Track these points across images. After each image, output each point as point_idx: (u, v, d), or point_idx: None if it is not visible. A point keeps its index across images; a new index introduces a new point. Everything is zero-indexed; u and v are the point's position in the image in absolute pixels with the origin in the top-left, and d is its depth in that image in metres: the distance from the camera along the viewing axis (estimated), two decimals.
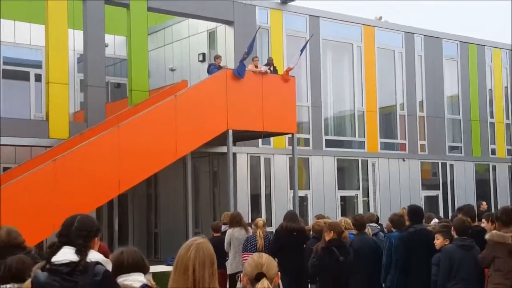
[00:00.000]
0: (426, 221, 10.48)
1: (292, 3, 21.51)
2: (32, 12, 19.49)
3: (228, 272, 11.36)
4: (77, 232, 4.10)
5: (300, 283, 9.98)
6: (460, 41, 25.95)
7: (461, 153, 25.44)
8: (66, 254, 4.01)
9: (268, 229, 13.14)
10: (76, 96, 20.82)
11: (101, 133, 15.64)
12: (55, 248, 4.08)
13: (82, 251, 4.04)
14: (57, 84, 17.38)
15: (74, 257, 4.00)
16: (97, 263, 4.06)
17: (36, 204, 13.35)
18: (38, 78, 20.48)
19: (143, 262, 4.53)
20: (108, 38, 19.98)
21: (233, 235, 11.46)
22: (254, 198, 20.08)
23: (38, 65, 20.26)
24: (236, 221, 11.81)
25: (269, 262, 3.74)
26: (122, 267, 4.39)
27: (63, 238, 4.11)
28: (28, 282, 4.24)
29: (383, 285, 9.17)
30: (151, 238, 21.97)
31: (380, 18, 25.19)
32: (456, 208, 22.24)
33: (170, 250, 17.69)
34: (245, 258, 10.82)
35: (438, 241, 8.20)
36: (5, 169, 17.89)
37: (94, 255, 4.13)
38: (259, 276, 3.66)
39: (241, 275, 4.15)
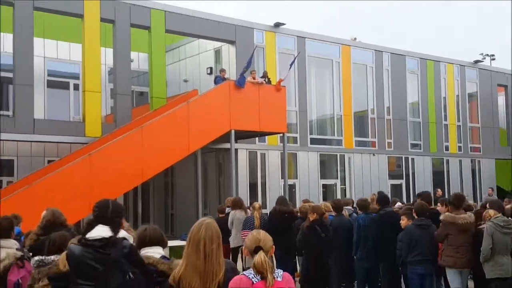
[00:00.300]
0: (391, 204, 10.46)
1: (283, 26, 21.52)
2: (71, 33, 19.45)
3: (231, 246, 11.35)
4: (113, 214, 4.12)
5: (290, 256, 9.98)
6: (420, 58, 25.96)
7: (421, 149, 25.45)
8: (99, 231, 4.04)
9: (263, 211, 13.15)
10: (107, 102, 20.78)
11: (127, 132, 15.64)
12: (91, 226, 4.10)
13: (116, 229, 4.07)
14: (91, 92, 17.35)
15: (106, 234, 4.02)
16: (124, 238, 4.09)
17: (75, 190, 13.37)
18: (76, 87, 20.46)
19: (163, 237, 4.57)
20: (133, 55, 19.93)
21: (235, 216, 11.46)
22: (252, 186, 20.07)
23: (76, 77, 20.23)
24: (237, 204, 11.80)
25: (265, 238, 3.79)
26: (145, 241, 4.43)
27: (101, 218, 4.12)
28: (63, 254, 4.24)
29: (355, 257, 9.19)
30: (168, 218, 21.95)
31: (355, 38, 25.21)
32: (416, 194, 22.41)
33: (183, 228, 17.70)
34: (244, 235, 10.81)
35: (403, 221, 8.24)
36: (49, 161, 17.92)
37: (121, 232, 4.16)
38: (257, 249, 3.70)
39: (243, 248, 4.17)
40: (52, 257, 4.63)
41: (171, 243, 9.64)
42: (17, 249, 5.59)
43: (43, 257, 4.78)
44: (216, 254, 3.74)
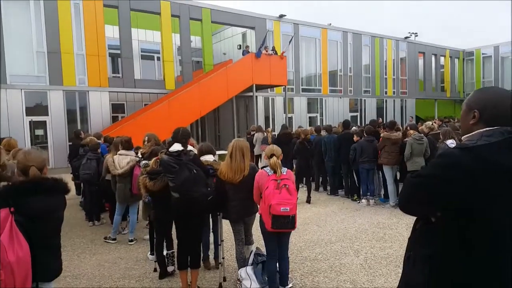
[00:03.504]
0: (351, 127, 10.33)
1: (285, 17, 20.64)
2: (153, 24, 19.09)
3: (255, 154, 11.51)
4: (182, 136, 4.17)
5: (289, 159, 10.09)
6: (371, 36, 24.83)
7: (370, 93, 24.94)
8: (176, 147, 4.09)
9: (274, 133, 13.23)
10: (177, 68, 20.51)
11: (190, 87, 15.55)
12: (171, 144, 4.18)
13: (185, 145, 4.14)
14: (167, 61, 17.14)
15: (179, 148, 4.08)
16: (190, 150, 4.16)
17: (161, 121, 13.56)
18: (158, 58, 20.14)
19: (213, 149, 4.65)
20: (192, 37, 19.47)
21: (257, 137, 11.58)
22: (266, 118, 20.07)
23: (158, 52, 19.87)
24: (258, 129, 11.93)
25: (277, 149, 3.85)
26: (202, 151, 4.54)
27: (175, 139, 4.20)
28: (153, 159, 4.33)
29: (325, 160, 9.19)
30: (216, 137, 22.21)
31: (330, 24, 24.12)
32: (365, 121, 22.20)
33: (225, 144, 17.95)
34: (263, 148, 10.98)
35: (355, 138, 8.24)
36: (145, 104, 18.04)
37: (189, 147, 4.24)
38: (271, 155, 3.76)
39: (263, 156, 4.26)
40: (151, 161, 4.79)
41: (218, 152, 9.88)
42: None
43: (147, 161, 4.95)
44: (241, 158, 3.86)
